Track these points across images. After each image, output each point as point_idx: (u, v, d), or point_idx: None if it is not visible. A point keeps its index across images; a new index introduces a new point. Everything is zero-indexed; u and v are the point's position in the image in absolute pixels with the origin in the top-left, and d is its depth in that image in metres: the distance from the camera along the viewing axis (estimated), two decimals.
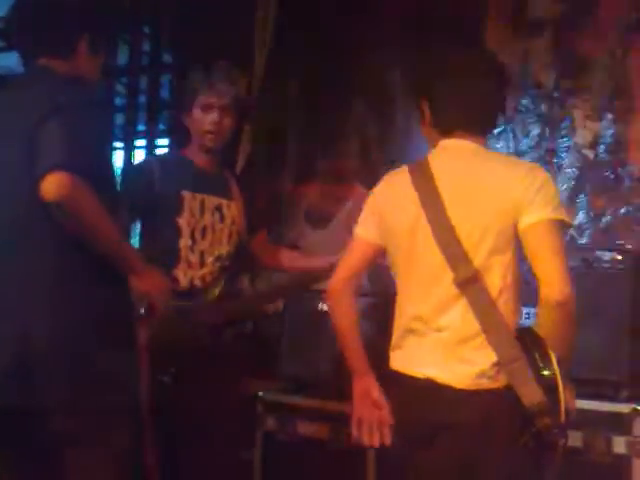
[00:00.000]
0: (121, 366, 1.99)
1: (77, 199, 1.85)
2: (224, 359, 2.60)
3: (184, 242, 2.63)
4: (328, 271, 2.32)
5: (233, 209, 2.75)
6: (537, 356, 1.89)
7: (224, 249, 2.71)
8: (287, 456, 2.89)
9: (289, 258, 2.91)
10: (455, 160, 2.07)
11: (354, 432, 2.11)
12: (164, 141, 4.63)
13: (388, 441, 2.08)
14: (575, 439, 2.44)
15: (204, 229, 2.67)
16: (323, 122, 3.93)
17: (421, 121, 2.16)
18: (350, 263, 2.19)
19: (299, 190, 3.77)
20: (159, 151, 4.54)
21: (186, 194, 2.64)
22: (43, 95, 1.94)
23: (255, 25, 3.95)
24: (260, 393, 2.99)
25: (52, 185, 1.82)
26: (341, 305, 2.17)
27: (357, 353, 2.15)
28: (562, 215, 1.96)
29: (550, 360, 1.88)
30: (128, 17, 4.32)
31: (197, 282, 2.64)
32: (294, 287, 2.99)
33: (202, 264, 2.65)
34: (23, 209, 1.95)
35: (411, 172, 2.10)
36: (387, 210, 2.12)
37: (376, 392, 2.12)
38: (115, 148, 4.42)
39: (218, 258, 2.69)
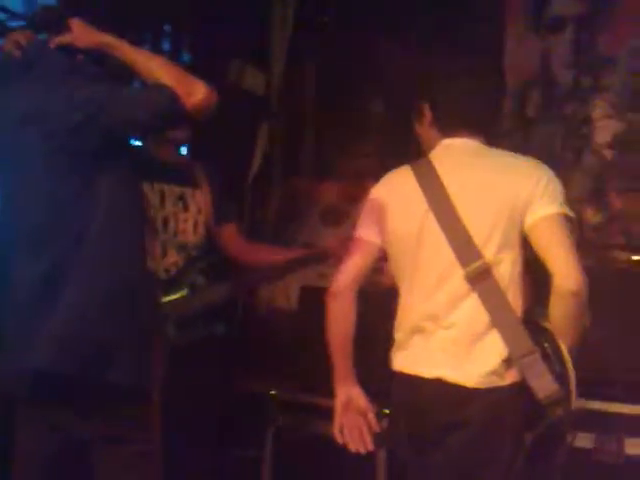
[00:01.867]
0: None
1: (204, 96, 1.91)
2: (196, 361, 2.54)
3: None
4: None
5: (198, 198, 2.68)
6: (547, 347, 1.90)
7: (189, 239, 2.63)
8: (297, 454, 2.89)
9: (256, 252, 2.84)
10: (459, 158, 2.08)
11: (338, 439, 2.12)
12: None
13: (370, 447, 2.10)
14: (587, 440, 2.42)
15: (165, 219, 2.60)
16: (340, 121, 3.92)
17: (419, 122, 2.19)
18: (353, 266, 2.18)
19: (315, 189, 3.77)
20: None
21: (144, 185, 2.50)
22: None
23: (273, 25, 3.95)
24: (272, 391, 2.99)
25: (198, 96, 1.90)
26: (342, 309, 2.17)
27: (346, 360, 2.15)
28: (567, 210, 1.98)
29: (561, 351, 1.90)
30: (149, 15, 4.33)
31: (161, 274, 2.55)
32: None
33: (164, 255, 2.58)
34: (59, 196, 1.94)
35: (415, 172, 2.10)
36: (390, 211, 2.12)
37: (362, 400, 2.13)
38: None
39: (182, 248, 2.61)
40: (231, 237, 2.81)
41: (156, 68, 1.94)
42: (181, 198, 2.63)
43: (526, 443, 1.93)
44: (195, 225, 2.65)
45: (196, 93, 1.89)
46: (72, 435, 1.98)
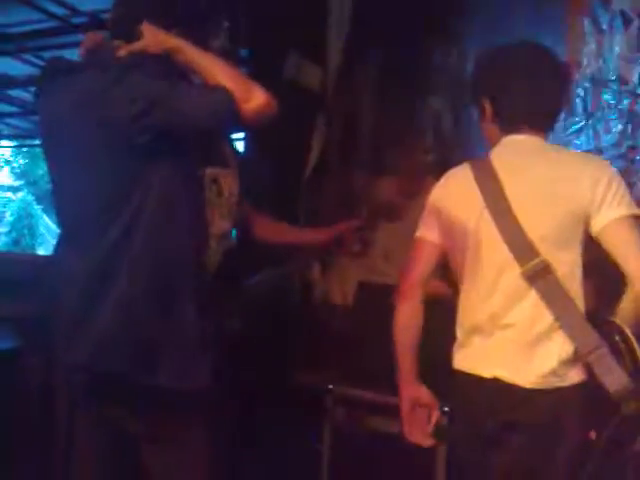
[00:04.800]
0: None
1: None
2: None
3: None
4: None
5: (230, 180, 2.39)
6: (618, 341, 1.87)
7: (227, 226, 2.35)
8: (355, 449, 2.89)
9: (276, 230, 2.67)
10: (519, 156, 2.05)
11: (409, 438, 2.13)
12: (239, 134, 4.65)
13: (432, 442, 2.12)
14: None
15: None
16: (398, 117, 3.89)
17: (481, 118, 2.16)
18: (418, 267, 2.17)
19: (373, 183, 3.75)
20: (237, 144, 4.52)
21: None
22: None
23: (330, 20, 3.94)
24: (330, 386, 2.99)
25: (256, 103, 1.90)
26: (411, 309, 2.16)
27: (412, 360, 2.14)
28: (636, 210, 1.94)
29: (631, 344, 1.86)
30: (206, 11, 4.35)
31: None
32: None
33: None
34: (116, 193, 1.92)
35: (473, 169, 2.08)
36: (449, 209, 2.11)
37: (428, 397, 2.13)
38: None
39: (223, 237, 2.34)
40: (249, 213, 2.60)
41: (218, 71, 1.94)
42: (215, 181, 2.33)
43: (597, 445, 1.89)
44: (229, 211, 2.37)
45: (254, 99, 1.89)
46: (123, 428, 1.98)
